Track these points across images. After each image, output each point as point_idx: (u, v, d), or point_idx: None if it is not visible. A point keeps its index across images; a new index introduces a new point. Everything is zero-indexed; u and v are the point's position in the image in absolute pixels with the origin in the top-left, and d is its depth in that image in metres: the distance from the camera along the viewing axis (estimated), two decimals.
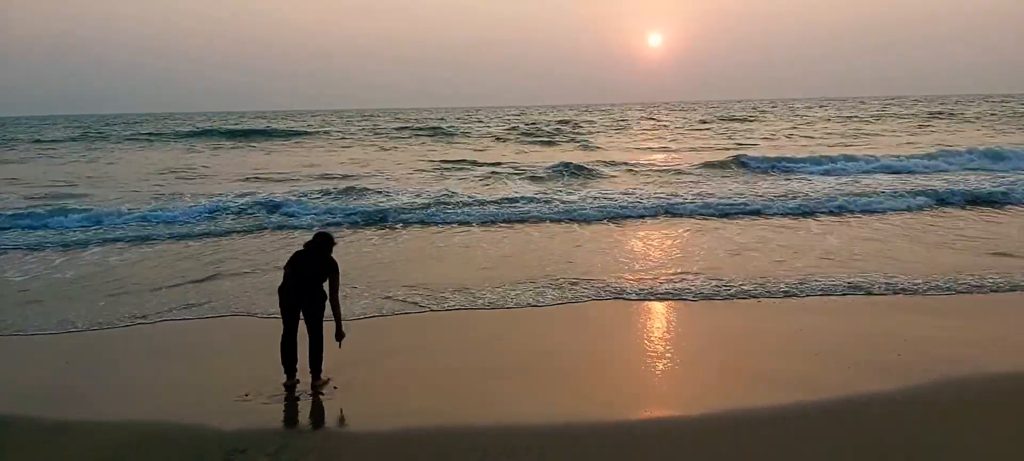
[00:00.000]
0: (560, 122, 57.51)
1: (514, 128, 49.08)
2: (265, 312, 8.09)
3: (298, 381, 5.96)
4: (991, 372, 6.08)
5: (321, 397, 5.83)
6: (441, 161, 28.86)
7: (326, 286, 5.98)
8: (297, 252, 6.08)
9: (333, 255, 6.13)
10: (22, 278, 10.47)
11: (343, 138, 45.10)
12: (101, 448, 4.92)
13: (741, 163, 24.87)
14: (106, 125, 67.18)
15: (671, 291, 8.99)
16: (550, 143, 38.90)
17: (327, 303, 5.97)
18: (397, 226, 14.46)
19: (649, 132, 47.10)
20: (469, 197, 17.44)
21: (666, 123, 55.95)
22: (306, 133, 48.25)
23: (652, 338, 7.42)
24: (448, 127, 51.71)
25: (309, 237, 6.28)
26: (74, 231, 13.92)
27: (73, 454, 4.88)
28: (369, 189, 19.11)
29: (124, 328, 7.93)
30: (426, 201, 16.74)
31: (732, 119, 59.14)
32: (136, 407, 5.68)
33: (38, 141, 45.91)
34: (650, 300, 8.72)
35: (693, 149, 33.17)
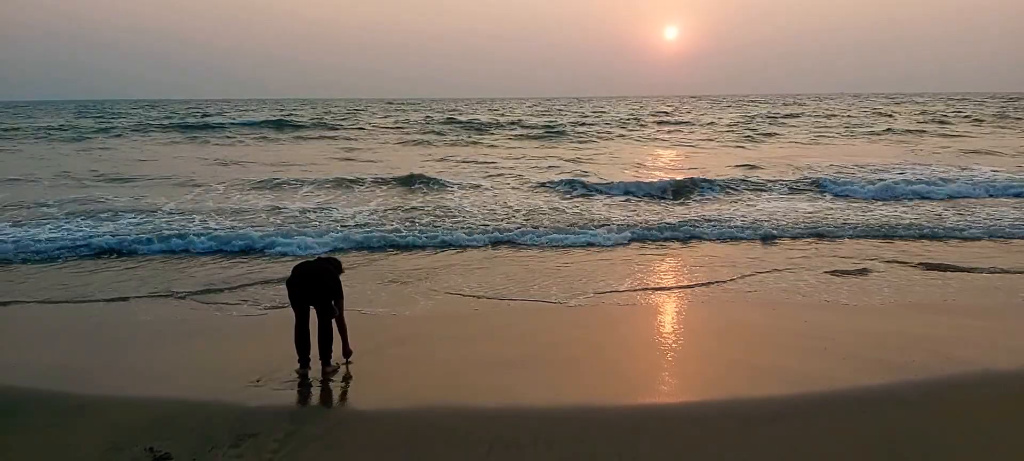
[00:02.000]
0: (590, 116, 54.43)
1: (553, 124, 44.71)
2: (277, 303, 8.20)
3: (310, 368, 6.04)
4: (1001, 371, 6.06)
5: (331, 384, 5.90)
6: (520, 159, 26.29)
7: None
8: (304, 262, 6.21)
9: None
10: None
11: (387, 133, 39.94)
12: (115, 427, 5.00)
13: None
14: (116, 114, 66.03)
15: None
16: (610, 141, 35.54)
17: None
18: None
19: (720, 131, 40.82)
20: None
21: (733, 125, 45.52)
22: (327, 127, 44.26)
23: (660, 332, 7.44)
24: (486, 122, 47.07)
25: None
26: None
27: (88, 433, 4.96)
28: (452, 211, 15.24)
29: (142, 310, 8.11)
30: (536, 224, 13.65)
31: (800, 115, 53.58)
32: (151, 388, 5.77)
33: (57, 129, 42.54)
34: (659, 296, 8.75)
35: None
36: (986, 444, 4.79)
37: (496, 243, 12.24)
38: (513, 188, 18.88)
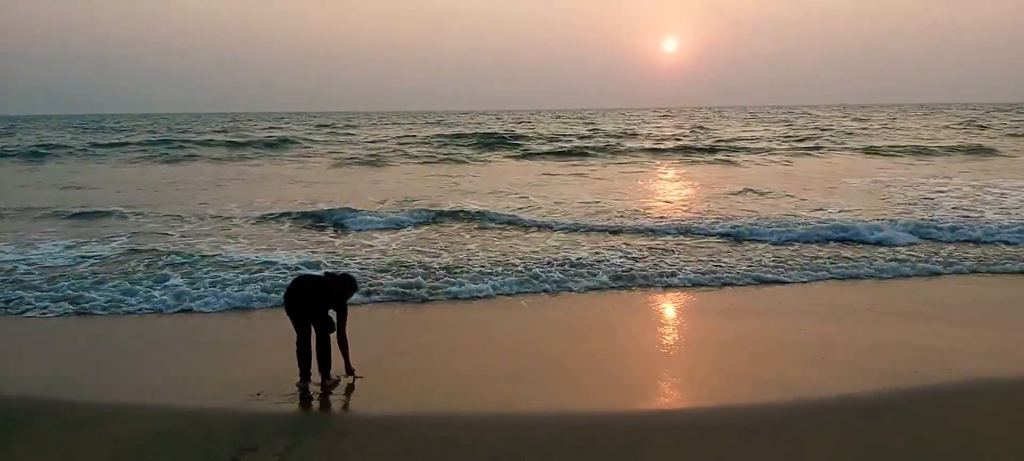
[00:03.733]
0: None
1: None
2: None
3: (311, 381, 6.05)
4: (998, 378, 6.07)
5: (331, 397, 5.91)
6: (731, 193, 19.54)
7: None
8: (309, 275, 6.21)
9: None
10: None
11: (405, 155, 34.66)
12: (116, 440, 5.02)
13: None
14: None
15: None
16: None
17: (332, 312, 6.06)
18: None
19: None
20: None
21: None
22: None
23: (660, 342, 7.45)
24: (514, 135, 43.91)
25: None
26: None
27: (88, 445, 4.97)
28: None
29: (143, 321, 8.17)
30: None
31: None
32: (152, 401, 5.78)
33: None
34: (658, 306, 8.77)
35: None
36: (983, 452, 4.79)
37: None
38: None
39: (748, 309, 8.63)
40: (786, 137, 44.13)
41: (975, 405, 5.55)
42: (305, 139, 45.13)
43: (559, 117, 72.93)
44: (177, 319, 8.43)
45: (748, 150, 35.41)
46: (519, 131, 51.94)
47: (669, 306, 8.88)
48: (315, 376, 6.06)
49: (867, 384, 5.93)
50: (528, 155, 34.43)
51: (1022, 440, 4.99)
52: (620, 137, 45.78)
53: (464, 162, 31.67)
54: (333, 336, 6.02)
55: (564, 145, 39.29)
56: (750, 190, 19.76)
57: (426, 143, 41.70)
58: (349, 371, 6.13)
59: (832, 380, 6.07)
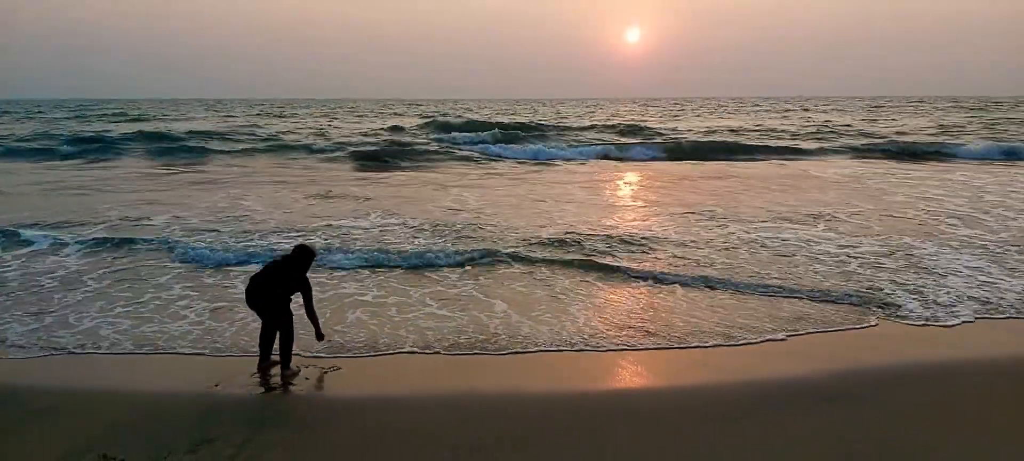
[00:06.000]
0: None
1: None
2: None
3: (268, 363, 6.07)
4: (951, 367, 6.31)
5: (292, 387, 5.87)
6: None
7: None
8: (272, 263, 6.21)
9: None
10: None
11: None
12: (69, 433, 4.93)
13: None
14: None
15: None
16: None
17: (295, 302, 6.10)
18: None
19: None
20: None
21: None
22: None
23: (622, 329, 7.56)
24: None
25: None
26: None
27: (41, 439, 4.87)
28: None
29: (97, 316, 7.89)
30: None
31: None
32: (105, 394, 5.68)
33: None
34: (619, 294, 8.91)
35: None
36: (938, 434, 5.00)
37: None
38: None
39: (702, 296, 8.80)
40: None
41: (926, 392, 5.74)
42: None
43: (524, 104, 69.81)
44: (132, 311, 8.15)
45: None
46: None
47: (625, 295, 8.95)
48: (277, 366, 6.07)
49: (824, 372, 6.12)
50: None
51: (975, 422, 5.19)
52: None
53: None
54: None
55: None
56: None
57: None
58: (319, 337, 6.23)
59: (790, 367, 6.24)
